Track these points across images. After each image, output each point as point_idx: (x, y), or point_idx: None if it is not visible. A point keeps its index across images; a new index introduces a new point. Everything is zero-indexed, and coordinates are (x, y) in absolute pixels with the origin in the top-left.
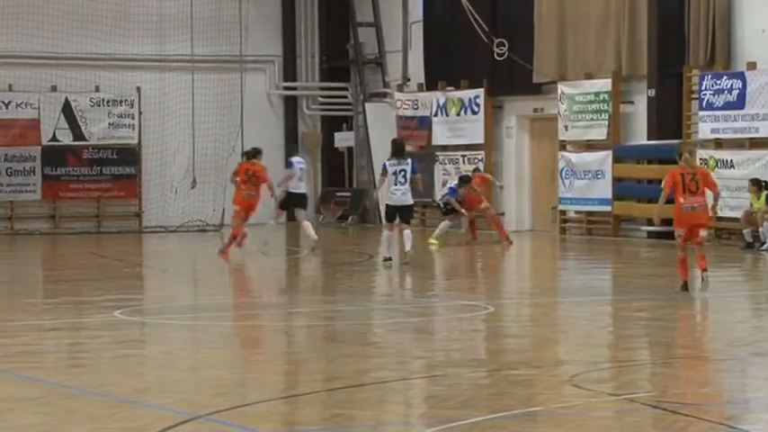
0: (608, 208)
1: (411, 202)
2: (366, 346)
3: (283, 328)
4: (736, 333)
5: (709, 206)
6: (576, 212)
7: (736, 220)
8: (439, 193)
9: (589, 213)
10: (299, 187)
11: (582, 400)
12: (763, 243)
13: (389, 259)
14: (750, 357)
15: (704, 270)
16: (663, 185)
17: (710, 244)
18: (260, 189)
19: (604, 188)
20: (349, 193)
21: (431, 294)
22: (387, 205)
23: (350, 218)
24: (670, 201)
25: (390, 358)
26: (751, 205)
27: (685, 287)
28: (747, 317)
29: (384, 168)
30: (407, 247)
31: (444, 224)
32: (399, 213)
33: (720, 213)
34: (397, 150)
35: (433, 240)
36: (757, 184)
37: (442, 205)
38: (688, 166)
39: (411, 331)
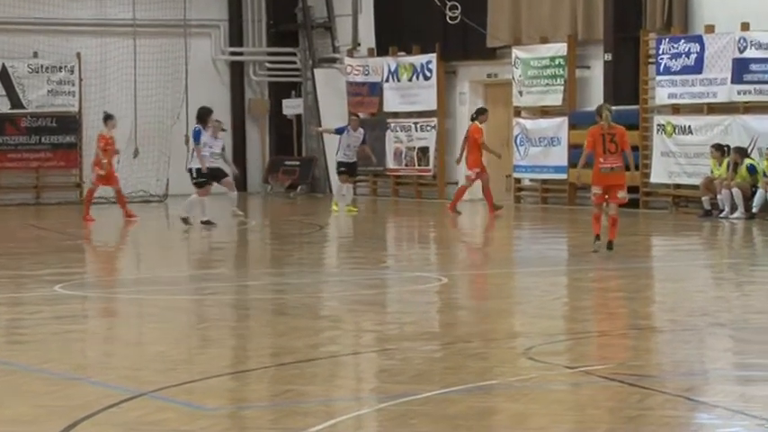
0: (564, 176)
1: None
2: (317, 320)
3: (231, 301)
4: (694, 303)
5: (632, 166)
6: (531, 181)
7: (694, 187)
8: (390, 159)
9: (544, 181)
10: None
11: (537, 373)
12: (722, 210)
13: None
14: (709, 328)
15: (610, 242)
16: (584, 146)
17: (668, 212)
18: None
19: (560, 155)
20: (298, 162)
21: (383, 266)
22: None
23: (299, 187)
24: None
25: (341, 332)
26: (711, 172)
27: (598, 238)
28: (706, 286)
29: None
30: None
31: (343, 187)
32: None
33: (678, 180)
34: None
35: (335, 208)
36: (720, 150)
37: (337, 165)
38: (608, 126)
39: (363, 304)
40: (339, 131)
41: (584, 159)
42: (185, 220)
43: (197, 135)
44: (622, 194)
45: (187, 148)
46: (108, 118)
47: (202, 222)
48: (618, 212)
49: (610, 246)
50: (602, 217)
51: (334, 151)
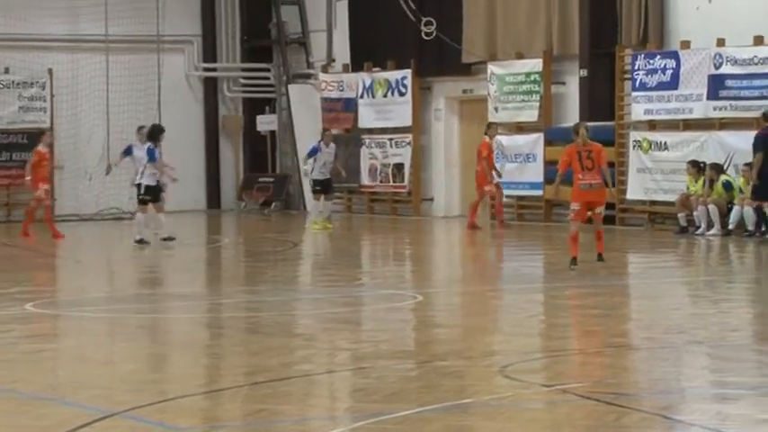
0: (539, 192)
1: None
2: (291, 338)
3: (204, 320)
4: (671, 321)
5: (608, 182)
6: (507, 197)
7: (670, 203)
8: (365, 176)
9: (520, 198)
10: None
11: (514, 392)
12: (698, 227)
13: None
14: (686, 345)
15: (600, 255)
16: (559, 164)
17: (644, 229)
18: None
19: (536, 172)
20: (272, 179)
21: (357, 284)
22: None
23: (273, 204)
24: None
25: (316, 350)
26: (687, 188)
27: (574, 262)
28: (683, 304)
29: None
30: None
31: (324, 204)
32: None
33: (654, 197)
34: None
35: (316, 225)
36: (696, 166)
37: (312, 183)
38: (584, 144)
39: (337, 322)
40: (312, 153)
41: (560, 179)
42: (141, 242)
43: (152, 153)
44: (600, 210)
45: (145, 165)
46: (41, 133)
47: (136, 241)
48: (602, 227)
49: (600, 258)
50: (579, 237)
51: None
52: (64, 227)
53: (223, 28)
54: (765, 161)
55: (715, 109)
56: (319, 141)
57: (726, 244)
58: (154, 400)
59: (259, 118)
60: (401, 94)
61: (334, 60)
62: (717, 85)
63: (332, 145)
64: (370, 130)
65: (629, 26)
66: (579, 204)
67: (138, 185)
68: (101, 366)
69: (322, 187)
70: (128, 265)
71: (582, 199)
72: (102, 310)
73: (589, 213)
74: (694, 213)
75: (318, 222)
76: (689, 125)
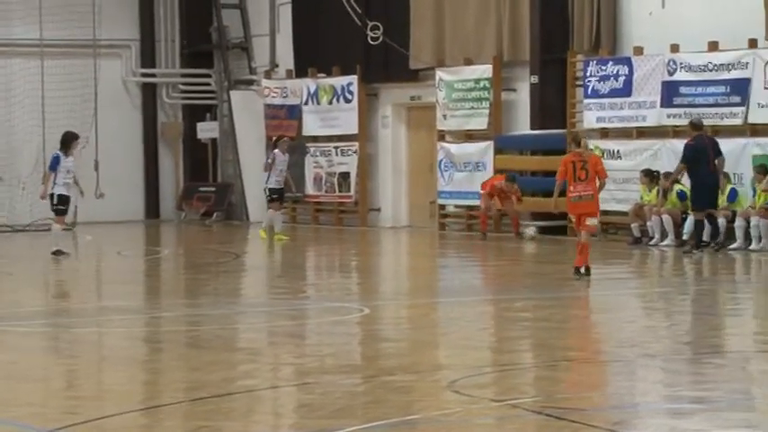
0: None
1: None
2: (233, 353)
3: (142, 334)
4: (623, 333)
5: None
6: (456, 207)
7: (623, 213)
8: (310, 185)
9: (470, 208)
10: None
11: (462, 407)
12: (652, 238)
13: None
14: (639, 359)
15: (587, 269)
16: (557, 173)
17: (596, 239)
18: None
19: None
20: (213, 188)
21: (302, 296)
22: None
23: (214, 214)
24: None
25: (259, 365)
26: (641, 198)
27: (578, 272)
28: (636, 316)
29: None
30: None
31: (275, 214)
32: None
33: (606, 207)
34: None
35: (279, 236)
36: (650, 176)
37: (269, 192)
38: (581, 154)
39: (281, 336)
40: (268, 165)
41: (558, 189)
42: (58, 252)
43: (54, 161)
44: (591, 222)
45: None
46: None
47: (53, 252)
48: (588, 239)
49: (587, 271)
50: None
51: (256, 177)
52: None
53: (162, 32)
54: (699, 171)
55: (669, 116)
56: (273, 150)
57: (680, 255)
58: (90, 418)
59: (200, 125)
60: (347, 101)
61: (277, 66)
62: (671, 92)
63: (286, 153)
64: (315, 138)
65: (581, 31)
66: (574, 216)
67: (51, 195)
68: (34, 383)
69: (279, 196)
70: (62, 278)
71: (574, 211)
72: (36, 324)
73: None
74: (648, 223)
75: (280, 233)
76: (642, 133)
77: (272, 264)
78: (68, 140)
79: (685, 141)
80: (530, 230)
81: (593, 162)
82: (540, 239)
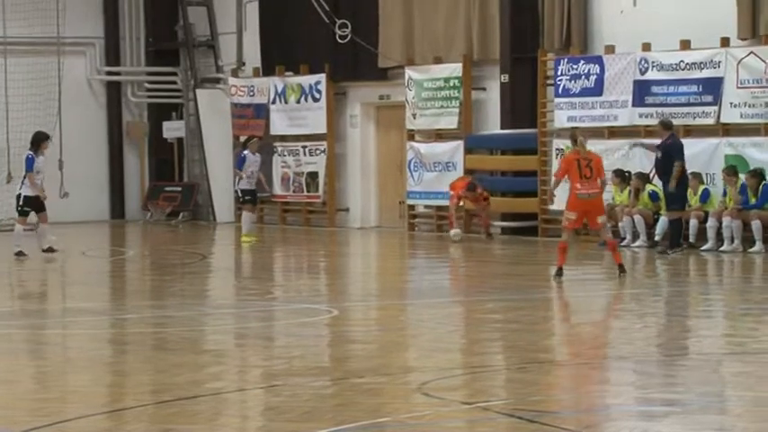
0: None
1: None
2: (199, 355)
3: (107, 335)
4: (595, 335)
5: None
6: (426, 207)
7: None
8: (277, 185)
9: (439, 208)
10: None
11: (432, 410)
12: (624, 239)
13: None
14: (610, 361)
15: (621, 266)
16: (556, 171)
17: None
18: None
19: None
20: (179, 188)
21: (269, 297)
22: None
23: (180, 215)
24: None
25: (226, 367)
26: (613, 198)
27: (560, 272)
28: (607, 318)
29: None
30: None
31: (249, 216)
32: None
33: None
34: None
35: (246, 238)
36: (621, 176)
37: (240, 193)
38: (583, 152)
39: (248, 338)
40: (239, 165)
41: (556, 186)
42: (20, 254)
43: (29, 162)
44: (602, 219)
45: (25, 174)
46: None
47: (15, 254)
48: (611, 235)
49: (623, 269)
50: (568, 247)
51: (223, 177)
52: None
53: (127, 30)
54: (668, 172)
55: (641, 116)
56: (243, 151)
57: (652, 256)
58: (53, 421)
59: (165, 124)
60: (315, 100)
61: (244, 64)
62: (642, 92)
63: (257, 153)
64: (283, 138)
65: (552, 30)
66: (576, 214)
67: (18, 196)
68: None
69: (252, 197)
70: (26, 279)
71: (580, 208)
72: (0, 325)
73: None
74: (619, 224)
75: (250, 235)
76: (614, 133)
77: (239, 265)
78: (39, 140)
79: (663, 141)
80: (454, 233)
81: (597, 161)
82: (511, 240)
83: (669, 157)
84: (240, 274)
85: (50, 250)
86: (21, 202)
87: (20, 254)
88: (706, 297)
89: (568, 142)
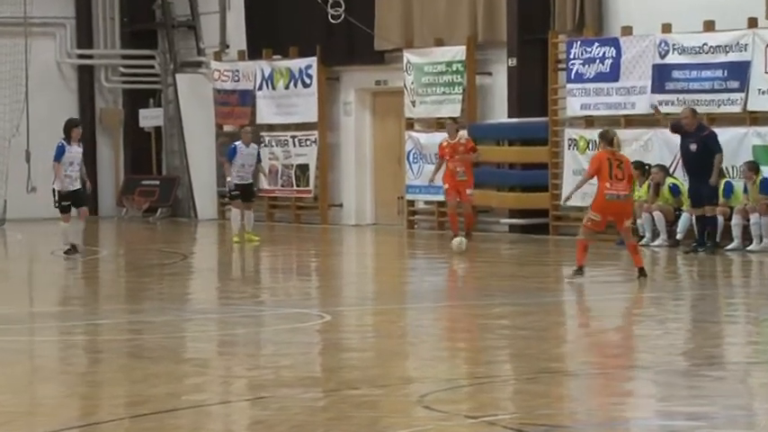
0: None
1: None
2: (179, 364)
3: (79, 342)
4: (611, 343)
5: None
6: (426, 203)
7: None
8: (264, 179)
9: (441, 204)
10: None
11: (434, 424)
12: (642, 237)
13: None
14: (628, 371)
15: (642, 270)
16: (587, 169)
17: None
18: None
19: None
20: (157, 182)
21: (256, 301)
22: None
23: (158, 211)
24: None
25: (208, 378)
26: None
27: (580, 271)
28: (625, 324)
29: None
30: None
31: (236, 213)
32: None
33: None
34: None
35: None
36: (640, 168)
37: (228, 190)
38: (616, 152)
39: (233, 345)
40: (230, 157)
41: (582, 184)
42: (70, 250)
43: (59, 151)
44: (628, 223)
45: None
46: None
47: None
48: (634, 239)
49: (643, 273)
50: (588, 246)
51: (204, 169)
52: None
53: (100, 9)
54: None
55: (660, 103)
56: (233, 142)
57: (673, 255)
58: None
59: (142, 112)
60: (305, 86)
61: (228, 47)
62: (662, 77)
63: (253, 145)
64: (271, 127)
65: (563, 10)
66: (601, 216)
67: (52, 191)
68: None
69: (242, 191)
70: None
71: (608, 210)
72: None
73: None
74: (638, 221)
75: (240, 235)
76: (631, 122)
77: (222, 266)
78: (68, 127)
79: (697, 132)
80: (458, 242)
81: (628, 162)
82: (519, 239)
83: (707, 150)
84: (224, 276)
85: (72, 251)
86: (55, 198)
87: (69, 251)
88: (731, 301)
89: (582, 131)
